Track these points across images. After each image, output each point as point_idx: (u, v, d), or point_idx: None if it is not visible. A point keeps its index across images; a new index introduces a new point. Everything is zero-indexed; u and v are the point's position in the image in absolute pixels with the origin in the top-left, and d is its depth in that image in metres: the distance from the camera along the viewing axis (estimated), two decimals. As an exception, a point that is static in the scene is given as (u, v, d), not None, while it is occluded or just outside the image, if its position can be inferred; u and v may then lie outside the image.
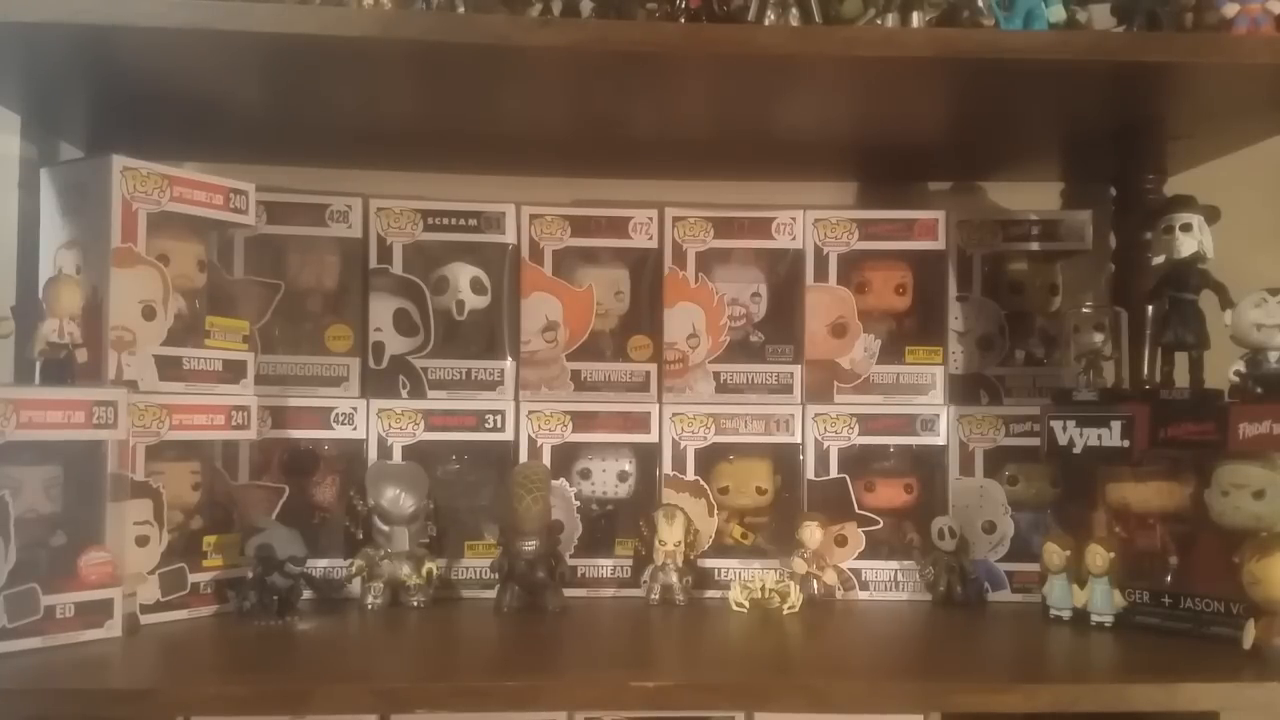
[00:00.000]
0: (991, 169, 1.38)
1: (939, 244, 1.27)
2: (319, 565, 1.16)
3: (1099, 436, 1.09)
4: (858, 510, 1.23)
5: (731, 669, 0.94)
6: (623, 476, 1.26)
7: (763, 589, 1.14)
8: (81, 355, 1.00)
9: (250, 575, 1.07)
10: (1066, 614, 1.08)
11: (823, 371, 1.26)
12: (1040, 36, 0.98)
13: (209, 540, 1.11)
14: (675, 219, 1.26)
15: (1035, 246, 1.28)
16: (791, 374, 1.25)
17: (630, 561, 1.22)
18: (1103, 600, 1.05)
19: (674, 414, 1.24)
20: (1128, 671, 0.95)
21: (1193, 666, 0.92)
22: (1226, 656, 0.94)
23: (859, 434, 1.24)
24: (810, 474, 1.24)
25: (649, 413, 1.24)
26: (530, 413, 1.23)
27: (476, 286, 1.26)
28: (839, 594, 1.20)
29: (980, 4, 0.99)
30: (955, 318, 1.26)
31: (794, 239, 1.26)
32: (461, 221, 1.26)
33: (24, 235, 1.16)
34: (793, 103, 1.09)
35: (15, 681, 0.84)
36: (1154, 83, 1.03)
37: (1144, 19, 1.01)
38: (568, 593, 1.16)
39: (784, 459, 1.25)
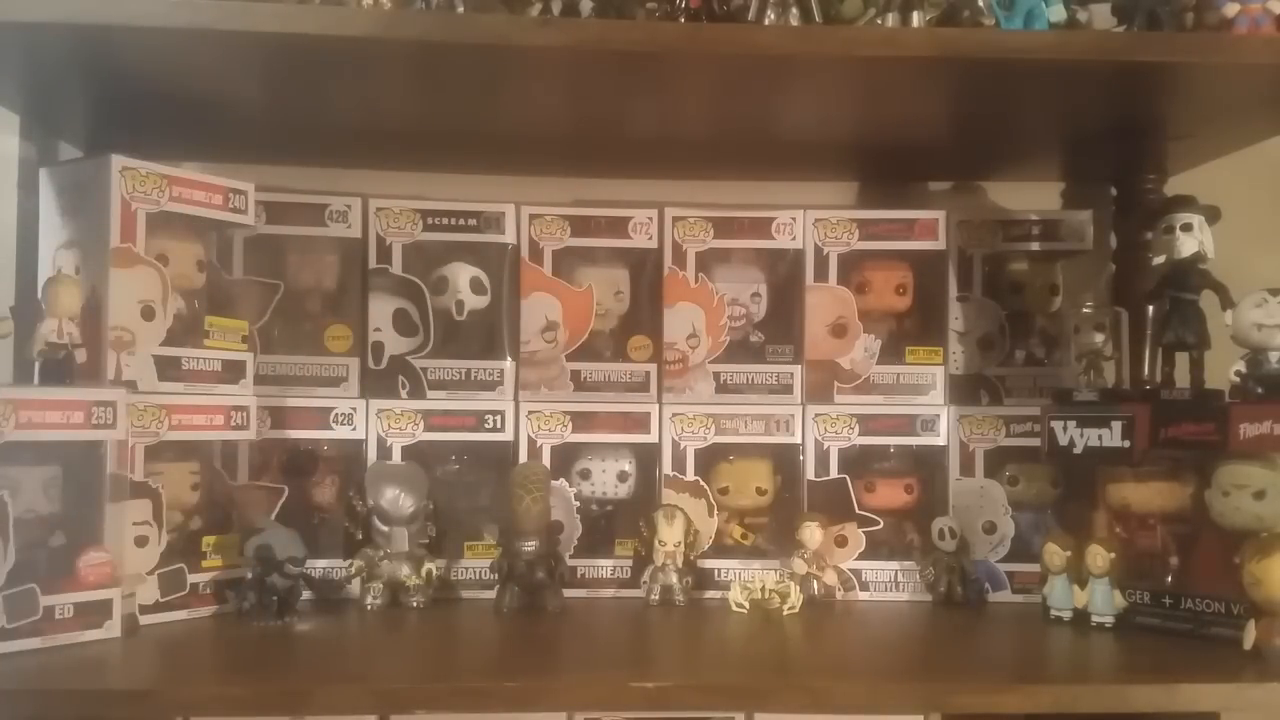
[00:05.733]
0: (991, 169, 1.38)
1: (939, 244, 1.26)
2: (318, 566, 1.16)
3: (1099, 437, 1.09)
4: (858, 511, 1.23)
5: (731, 669, 0.94)
6: (622, 477, 1.26)
7: (763, 589, 1.14)
8: (80, 355, 1.00)
9: (249, 576, 1.07)
10: (1067, 614, 1.08)
11: (823, 372, 1.26)
12: (1040, 36, 0.98)
13: (208, 541, 1.10)
14: (675, 219, 1.26)
15: (1035, 246, 1.28)
16: (791, 374, 1.25)
17: (630, 562, 1.22)
18: (1103, 601, 1.05)
19: (674, 414, 1.24)
20: (1128, 672, 0.95)
21: (1193, 667, 0.91)
22: (1227, 657, 0.94)
23: (859, 434, 1.23)
24: (810, 474, 1.23)
25: (649, 413, 1.24)
26: (530, 413, 1.23)
27: (476, 286, 1.26)
28: (839, 594, 1.20)
29: (980, 4, 0.99)
30: (955, 318, 1.26)
31: (794, 239, 1.26)
32: (461, 221, 1.26)
33: (23, 235, 1.16)
34: (793, 103, 1.09)
35: (14, 682, 0.84)
36: (1154, 83, 1.03)
37: (1144, 19, 1.01)
38: (567, 593, 1.16)
39: (784, 459, 1.25)
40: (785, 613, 1.12)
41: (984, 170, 1.39)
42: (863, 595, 1.22)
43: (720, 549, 1.24)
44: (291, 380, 1.22)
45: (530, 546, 1.13)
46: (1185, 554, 1.06)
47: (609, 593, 1.22)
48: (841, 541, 1.22)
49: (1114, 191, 1.36)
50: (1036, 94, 1.07)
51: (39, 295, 1.00)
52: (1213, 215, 1.09)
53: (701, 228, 1.26)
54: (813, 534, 1.17)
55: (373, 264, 1.25)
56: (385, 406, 1.22)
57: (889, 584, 1.22)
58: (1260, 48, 0.97)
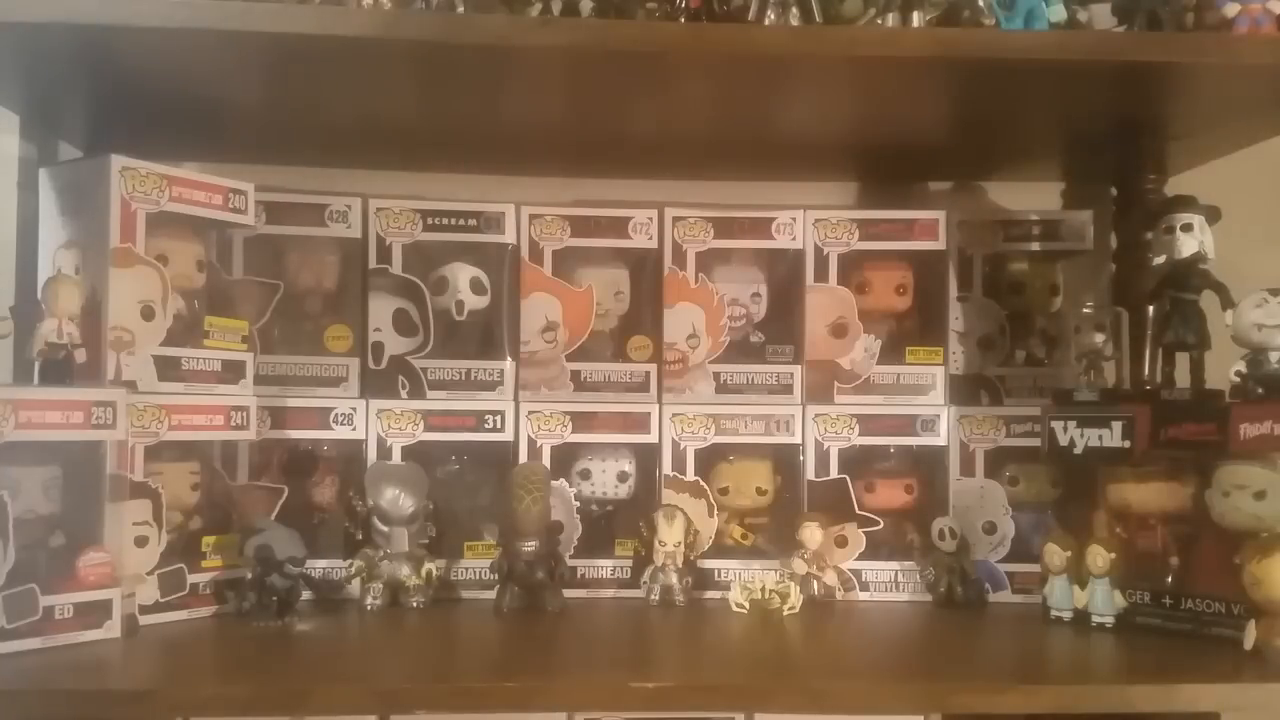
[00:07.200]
0: (992, 169, 1.38)
1: (939, 244, 1.26)
2: (318, 566, 1.15)
3: (1100, 437, 1.08)
4: (858, 511, 1.23)
5: (731, 670, 0.94)
6: (622, 477, 1.26)
7: (763, 590, 1.14)
8: (80, 355, 1.00)
9: (249, 576, 1.07)
10: (1067, 615, 1.07)
11: (823, 372, 1.26)
12: (1040, 36, 0.98)
13: (208, 541, 1.10)
14: (675, 219, 1.26)
15: (1036, 246, 1.28)
16: (791, 374, 1.25)
17: (630, 562, 1.22)
18: (1103, 601, 1.05)
19: (674, 414, 1.24)
20: (1128, 672, 0.95)
21: (1193, 667, 0.92)
22: (1227, 657, 0.94)
23: (859, 434, 1.23)
24: (810, 474, 1.23)
25: (649, 413, 1.24)
26: (530, 413, 1.23)
27: (476, 286, 1.26)
28: (839, 595, 1.20)
29: (981, 4, 0.99)
30: (956, 318, 1.26)
31: (794, 239, 1.26)
32: (461, 221, 1.26)
33: (23, 235, 1.16)
34: (793, 103, 1.09)
35: (14, 682, 0.84)
36: (1154, 83, 1.03)
37: (1144, 19, 1.01)
38: (567, 593, 1.16)
39: (784, 459, 1.25)
40: (785, 613, 1.12)
41: (984, 170, 1.39)
42: (863, 595, 1.22)
43: (720, 549, 1.24)
44: (291, 380, 1.22)
45: (530, 547, 1.12)
46: (1186, 554, 1.06)
47: (609, 593, 1.22)
48: (841, 542, 1.22)
49: (1114, 191, 1.35)
50: (1036, 94, 1.07)
51: (39, 295, 1.00)
52: (1213, 215, 1.09)
53: (701, 228, 1.26)
54: (813, 534, 1.17)
55: (373, 264, 1.25)
56: (385, 406, 1.22)
57: (889, 584, 1.22)
58: (1260, 48, 0.97)
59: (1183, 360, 1.10)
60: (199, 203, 1.11)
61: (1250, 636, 0.94)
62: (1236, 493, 0.99)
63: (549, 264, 1.26)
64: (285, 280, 1.24)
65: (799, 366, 1.25)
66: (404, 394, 1.23)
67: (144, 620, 1.02)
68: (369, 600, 1.14)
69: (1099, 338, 1.15)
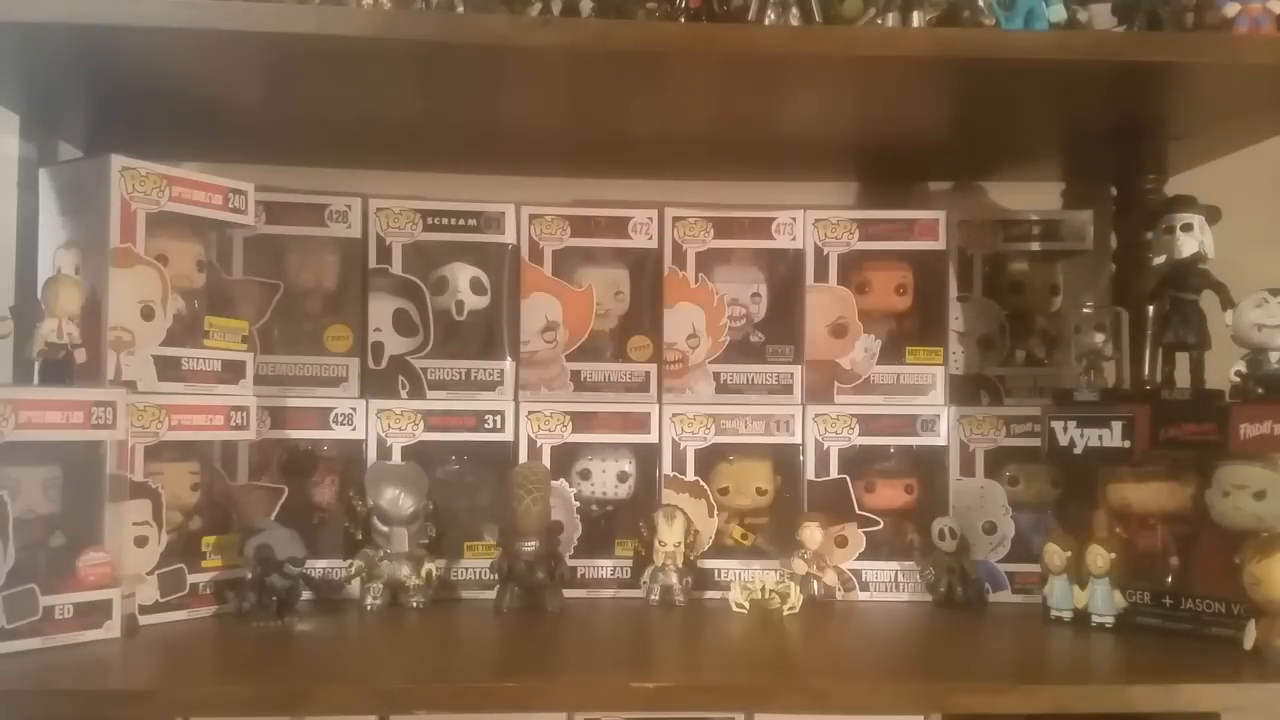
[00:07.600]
0: (992, 169, 1.38)
1: (939, 244, 1.26)
2: (318, 566, 1.15)
3: (1100, 437, 1.08)
4: (858, 511, 1.23)
5: (731, 670, 0.94)
6: (622, 477, 1.26)
7: (763, 590, 1.14)
8: (80, 355, 1.00)
9: (249, 576, 1.07)
10: (1067, 615, 1.07)
11: (823, 372, 1.26)
12: (1041, 36, 0.98)
13: (208, 541, 1.10)
14: (675, 219, 1.26)
15: (1036, 246, 1.28)
16: (791, 374, 1.25)
17: (630, 562, 1.22)
18: (1103, 601, 1.05)
19: (674, 414, 1.24)
20: (1128, 672, 0.95)
21: (1193, 667, 0.92)
22: (1227, 657, 0.94)
23: (859, 434, 1.23)
24: (810, 474, 1.23)
25: (649, 413, 1.24)
26: (530, 413, 1.23)
27: (476, 286, 1.26)
28: (839, 595, 1.20)
29: (981, 4, 0.99)
30: (956, 318, 1.26)
31: (794, 239, 1.26)
32: (461, 221, 1.26)
33: (23, 235, 1.16)
34: (793, 103, 1.09)
35: (14, 682, 0.84)
36: (1154, 83, 1.03)
37: (1145, 19, 1.01)
38: (567, 593, 1.16)
39: (784, 459, 1.25)
40: (785, 613, 1.12)
41: (984, 170, 1.39)
42: (863, 595, 1.22)
43: (720, 549, 1.24)
44: (291, 380, 1.22)
45: (530, 547, 1.12)
46: (1185, 554, 1.06)
47: (609, 593, 1.22)
48: (841, 542, 1.22)
49: (1114, 191, 1.35)
50: (1036, 94, 1.07)
51: (39, 295, 1.00)
52: (1213, 215, 1.10)
53: (701, 228, 1.26)
54: (813, 534, 1.17)
55: (373, 264, 1.25)
56: (385, 406, 1.22)
57: (889, 584, 1.22)
58: (1260, 48, 0.97)
59: (1183, 360, 1.10)
60: (199, 203, 1.11)
61: (1250, 636, 0.94)
62: (1236, 493, 0.99)
63: (549, 264, 1.26)
64: (285, 280, 1.24)
65: (799, 366, 1.25)
66: (404, 394, 1.23)
67: (144, 620, 1.02)
68: (369, 600, 1.14)
69: (1099, 338, 1.15)
